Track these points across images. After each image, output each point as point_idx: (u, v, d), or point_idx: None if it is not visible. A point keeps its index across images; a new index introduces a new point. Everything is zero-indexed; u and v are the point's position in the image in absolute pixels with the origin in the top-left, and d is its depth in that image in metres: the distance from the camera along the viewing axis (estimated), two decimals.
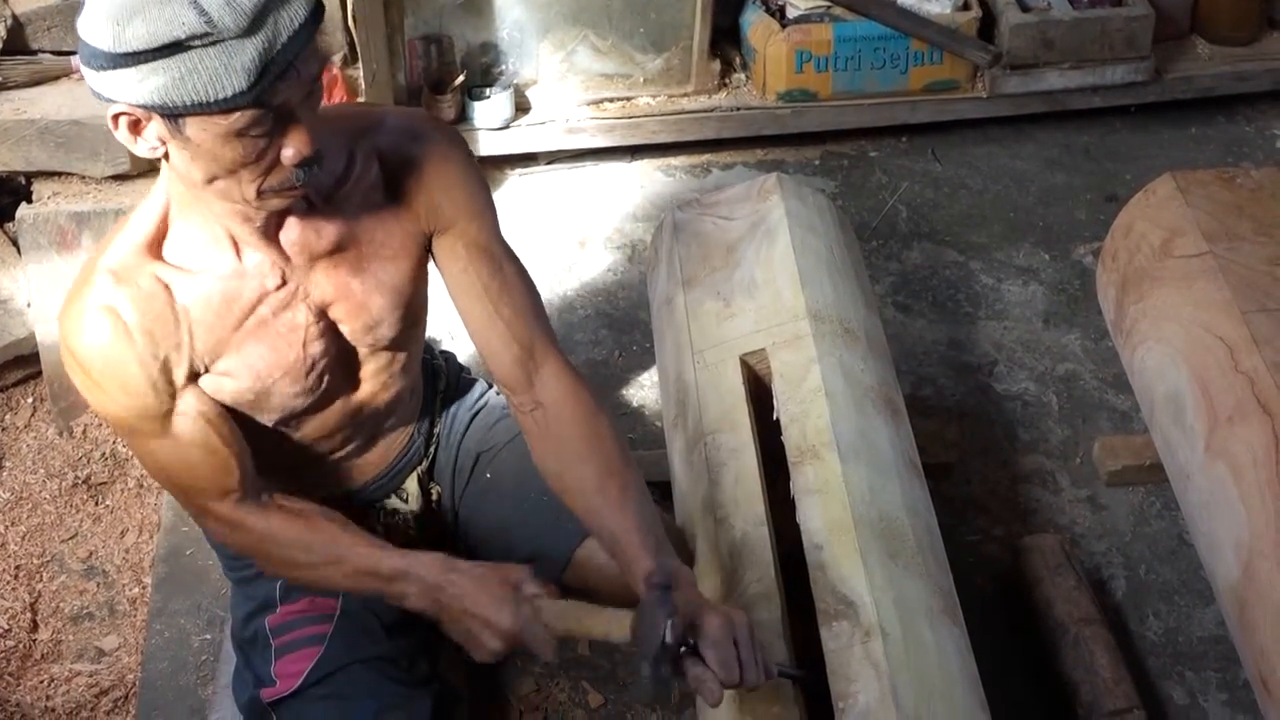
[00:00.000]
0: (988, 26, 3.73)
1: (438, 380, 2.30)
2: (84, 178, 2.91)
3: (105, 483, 2.92)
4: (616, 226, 3.57)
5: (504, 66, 3.64)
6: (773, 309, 2.34)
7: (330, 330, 1.91)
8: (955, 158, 3.83)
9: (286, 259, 1.83)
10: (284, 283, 1.84)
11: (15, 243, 2.97)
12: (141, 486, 2.90)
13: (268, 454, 1.97)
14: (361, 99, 3.36)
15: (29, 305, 2.99)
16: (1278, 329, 2.34)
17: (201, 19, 1.52)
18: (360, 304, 1.91)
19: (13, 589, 2.71)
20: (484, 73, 3.64)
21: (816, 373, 2.21)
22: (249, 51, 1.54)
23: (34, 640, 2.64)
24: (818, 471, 2.07)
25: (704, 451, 2.20)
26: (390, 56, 3.39)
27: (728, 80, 3.79)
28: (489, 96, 3.57)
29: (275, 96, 1.59)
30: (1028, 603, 2.50)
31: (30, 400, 3.09)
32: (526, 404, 2.01)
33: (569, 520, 2.03)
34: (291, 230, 1.82)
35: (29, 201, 2.93)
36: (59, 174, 2.92)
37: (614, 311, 3.31)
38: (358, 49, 3.36)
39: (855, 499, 2.02)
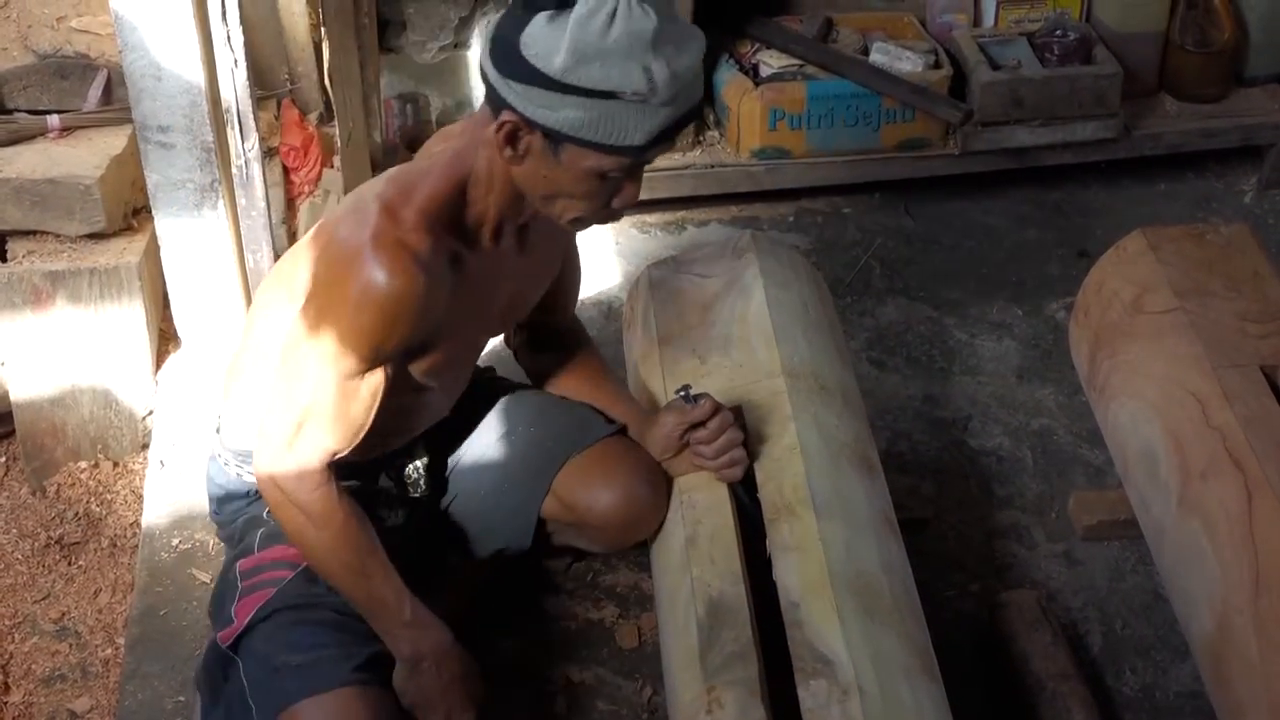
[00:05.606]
0: (959, 84, 3.77)
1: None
2: (59, 236, 2.90)
3: (78, 543, 2.89)
4: (592, 284, 3.58)
5: None
6: (748, 366, 2.35)
7: None
8: (928, 214, 3.85)
9: (519, 249, 2.06)
10: (509, 266, 2.07)
11: None
12: (115, 546, 2.88)
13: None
14: (337, 157, 3.37)
15: (2, 364, 2.97)
16: (1249, 384, 2.36)
17: (647, 83, 1.73)
18: (525, 295, 2.21)
19: None
20: None
21: (792, 430, 2.21)
22: (661, 117, 1.77)
23: (5, 703, 2.61)
24: (794, 529, 2.08)
25: (680, 509, 2.20)
26: (366, 115, 3.41)
27: (702, 138, 3.81)
28: None
29: (649, 155, 1.82)
30: (1004, 659, 2.49)
31: (2, 459, 3.07)
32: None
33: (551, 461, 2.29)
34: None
35: (3, 260, 2.92)
36: (34, 233, 2.91)
37: None
38: (334, 107, 3.37)
39: (832, 556, 2.02)
